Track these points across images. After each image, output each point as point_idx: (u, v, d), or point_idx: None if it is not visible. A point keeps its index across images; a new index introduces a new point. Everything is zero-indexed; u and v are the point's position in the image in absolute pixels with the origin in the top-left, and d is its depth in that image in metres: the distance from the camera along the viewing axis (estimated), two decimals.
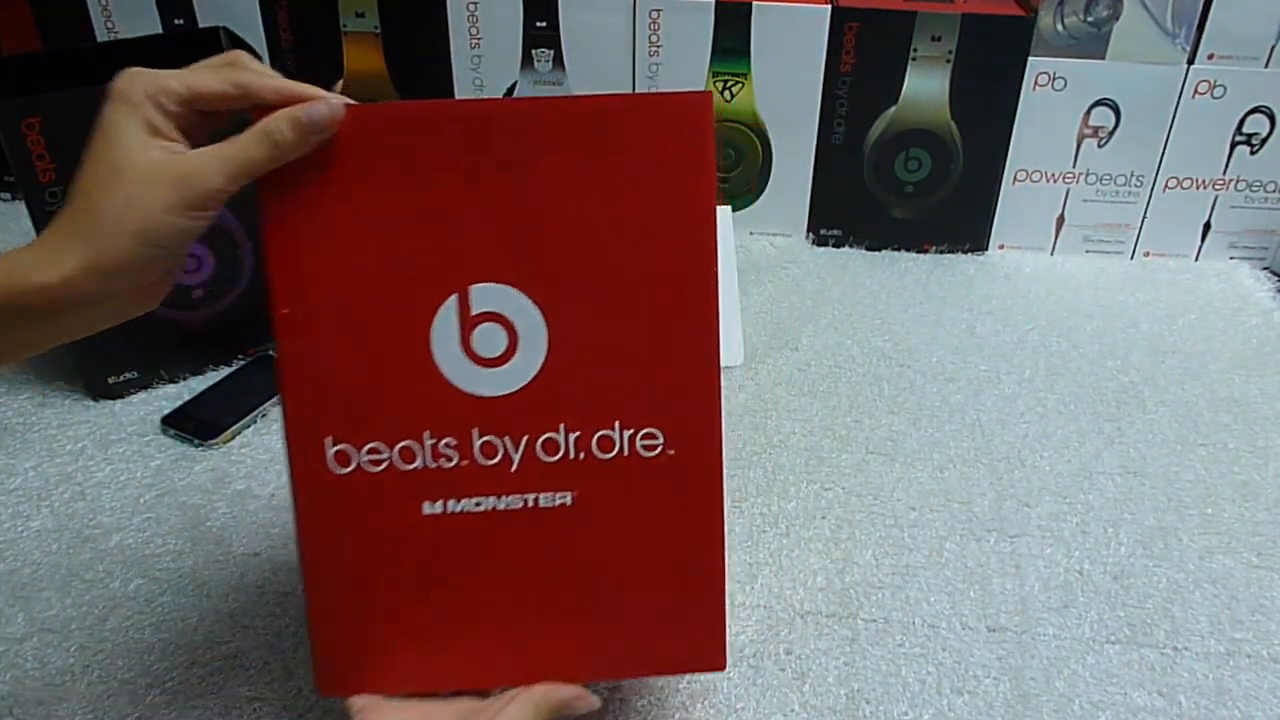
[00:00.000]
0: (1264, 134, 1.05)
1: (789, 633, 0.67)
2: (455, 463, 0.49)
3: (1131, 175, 1.08)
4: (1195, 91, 1.03)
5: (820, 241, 1.13)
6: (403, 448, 0.49)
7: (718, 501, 0.51)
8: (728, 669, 0.58)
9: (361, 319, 0.48)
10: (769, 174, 1.10)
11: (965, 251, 1.12)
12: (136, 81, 0.46)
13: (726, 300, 0.95)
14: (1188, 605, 0.71)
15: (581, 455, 0.49)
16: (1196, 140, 1.05)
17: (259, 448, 0.83)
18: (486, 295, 0.48)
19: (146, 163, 0.44)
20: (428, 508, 0.49)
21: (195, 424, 0.84)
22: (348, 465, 0.49)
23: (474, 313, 0.48)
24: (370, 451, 0.49)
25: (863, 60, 1.03)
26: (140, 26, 1.06)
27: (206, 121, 0.47)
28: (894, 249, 1.12)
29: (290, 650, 0.66)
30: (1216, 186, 1.08)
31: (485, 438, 0.49)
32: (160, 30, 1.07)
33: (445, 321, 0.48)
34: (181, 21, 1.07)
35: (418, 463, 0.49)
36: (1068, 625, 0.69)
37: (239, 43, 0.90)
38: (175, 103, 0.45)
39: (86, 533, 0.74)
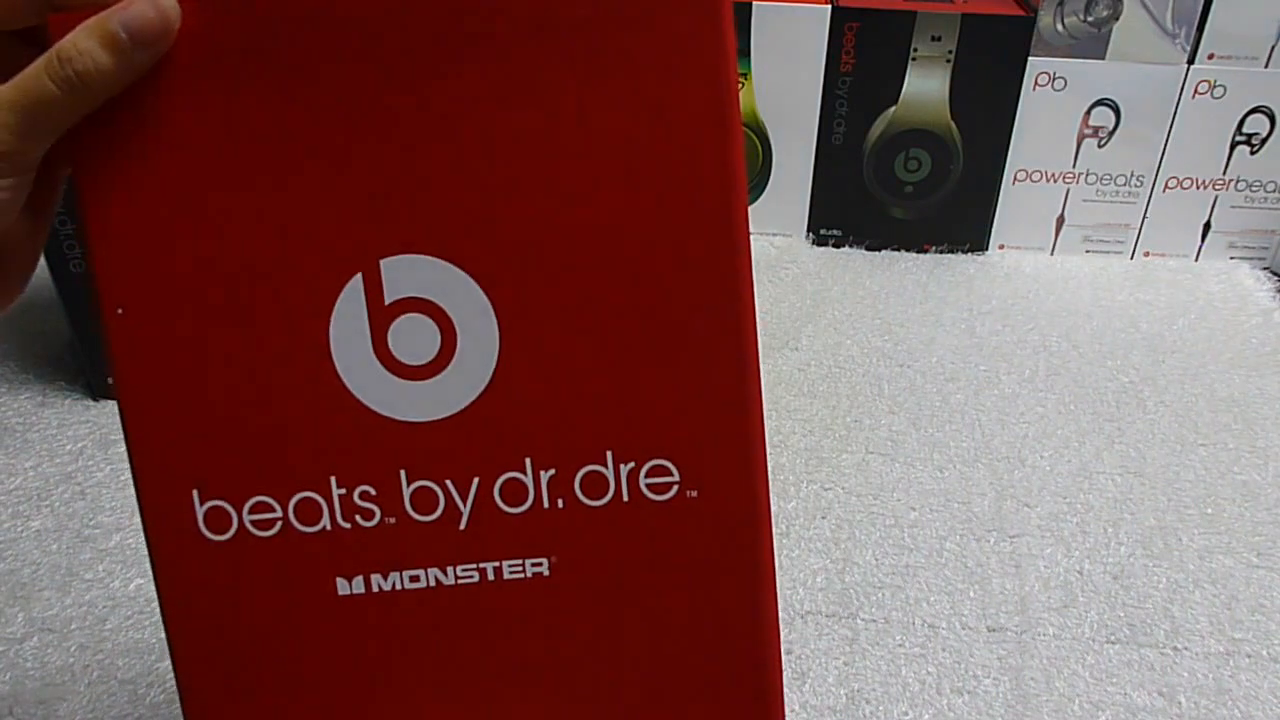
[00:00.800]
0: (1264, 134, 1.05)
1: (789, 633, 0.67)
2: (378, 520, 0.34)
3: (1131, 175, 1.08)
4: (1195, 91, 1.03)
5: (820, 241, 1.13)
6: (300, 500, 0.34)
7: (766, 558, 0.35)
8: None
9: (230, 317, 0.32)
10: (769, 174, 1.10)
11: (965, 251, 1.12)
12: None
13: None
14: (1188, 605, 0.71)
15: (560, 503, 0.34)
16: (1196, 140, 1.05)
17: None
18: (406, 273, 0.32)
19: None
20: (343, 587, 0.35)
21: None
22: (225, 531, 0.34)
23: (388, 300, 0.33)
24: (255, 509, 0.34)
25: (863, 60, 1.03)
26: None
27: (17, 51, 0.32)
28: (894, 249, 1.12)
29: None
30: (1216, 186, 1.08)
31: (418, 482, 0.34)
32: None
33: (348, 314, 0.32)
34: None
35: (323, 523, 0.34)
36: (1068, 625, 0.69)
37: None
38: None
39: (86, 533, 0.74)
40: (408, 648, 0.35)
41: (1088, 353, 0.97)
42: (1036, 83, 1.03)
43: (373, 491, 0.34)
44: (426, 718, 0.35)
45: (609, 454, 0.34)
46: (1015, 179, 1.09)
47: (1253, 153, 1.06)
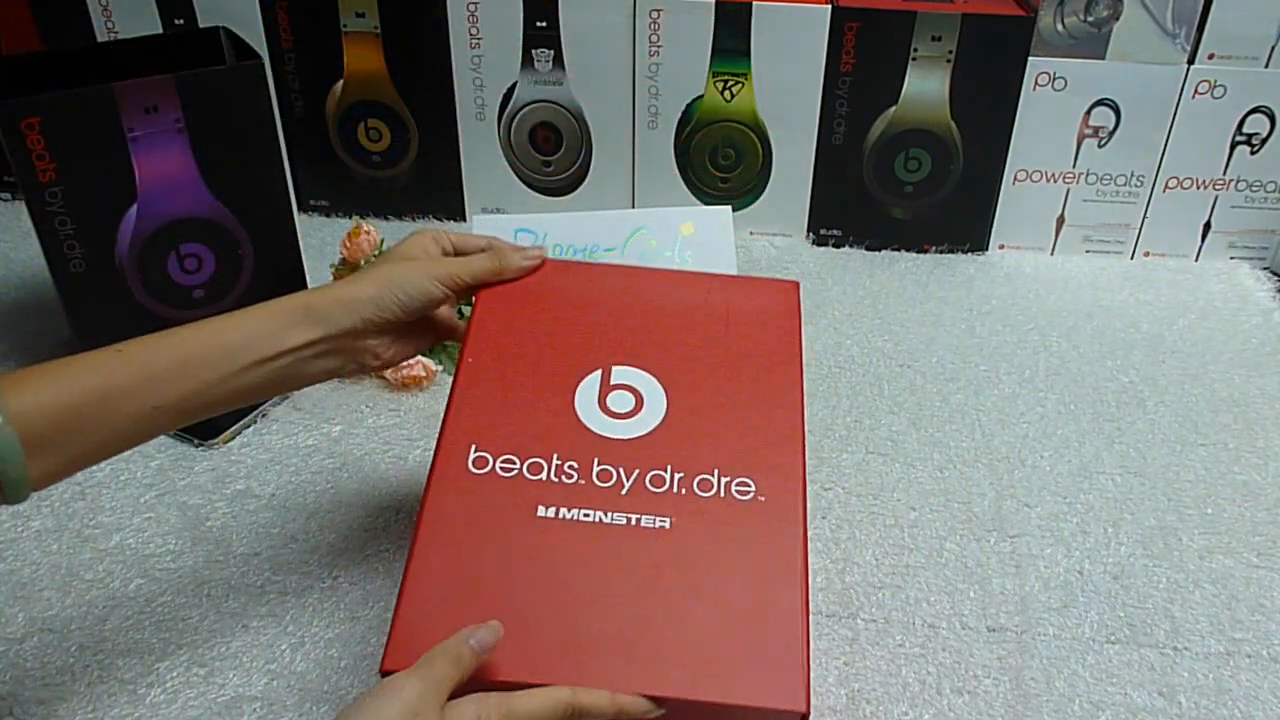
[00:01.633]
0: (1264, 134, 1.05)
1: None
2: (574, 480, 0.57)
3: (1131, 175, 1.08)
4: (1195, 91, 1.03)
5: (820, 241, 1.13)
6: (532, 462, 0.57)
7: (801, 544, 0.55)
8: None
9: (524, 375, 0.61)
10: (769, 174, 1.10)
11: (965, 251, 1.12)
12: (426, 233, 0.66)
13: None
14: (1188, 605, 0.71)
15: (683, 491, 0.57)
16: (1196, 140, 1.05)
17: (259, 448, 0.83)
18: (625, 374, 0.61)
19: (420, 250, 0.65)
20: (541, 510, 0.56)
21: (195, 424, 0.84)
22: (483, 468, 0.57)
23: (612, 383, 0.61)
24: (505, 460, 0.57)
25: (863, 60, 1.03)
26: (140, 26, 1.06)
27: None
28: (894, 249, 1.12)
29: (289, 651, 0.66)
30: (1216, 186, 1.08)
31: (603, 465, 0.57)
32: (160, 30, 1.07)
33: (589, 385, 0.61)
34: (182, 21, 1.07)
35: (542, 475, 0.57)
36: (1068, 625, 0.69)
37: (239, 43, 0.90)
38: (446, 244, 0.66)
39: (86, 533, 0.74)
40: (572, 555, 0.54)
41: (1088, 353, 0.97)
42: (1036, 83, 1.03)
43: (576, 465, 0.57)
44: (570, 603, 0.53)
45: (716, 470, 0.58)
46: (1015, 179, 1.09)
47: (1253, 153, 1.06)
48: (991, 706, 0.63)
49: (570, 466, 0.57)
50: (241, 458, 0.82)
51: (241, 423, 0.84)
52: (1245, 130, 1.05)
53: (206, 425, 0.84)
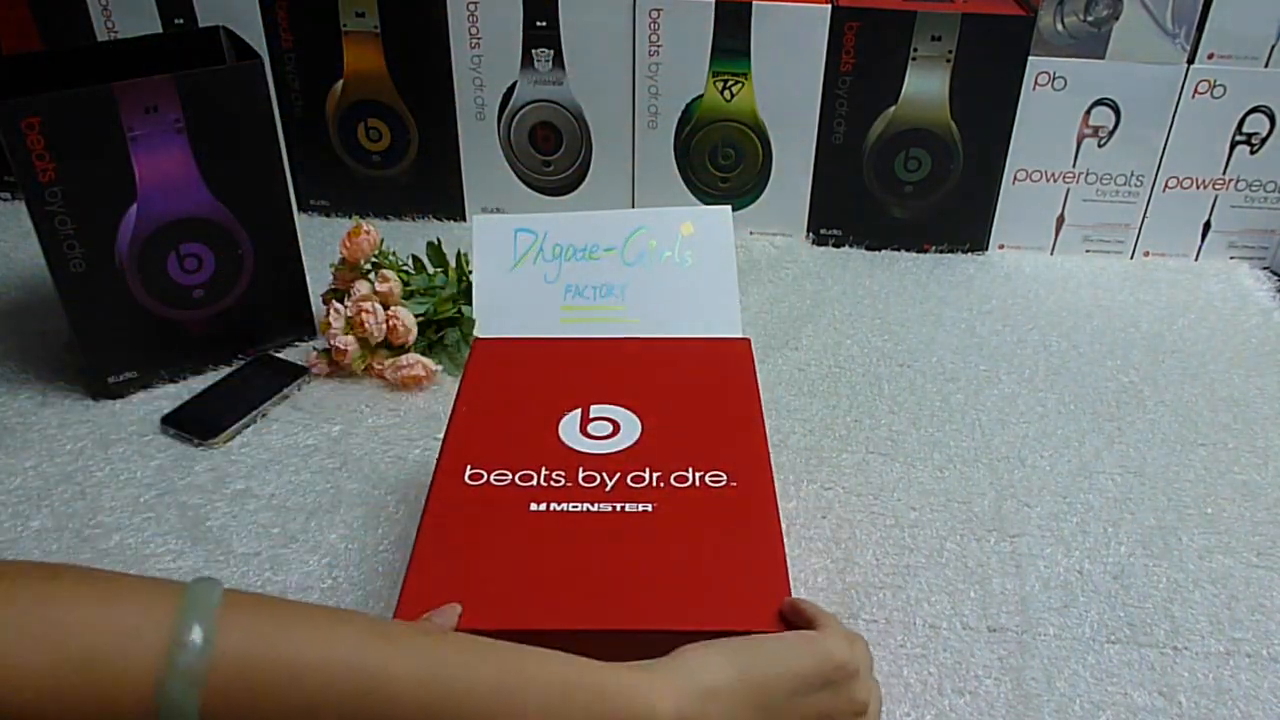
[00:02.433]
0: (1264, 134, 1.05)
1: None
2: (562, 484, 0.62)
3: (1131, 175, 1.08)
4: (1195, 91, 1.03)
5: (820, 241, 1.13)
6: (523, 474, 0.63)
7: (775, 516, 0.60)
8: None
9: (513, 415, 0.68)
10: (769, 174, 1.10)
11: (965, 251, 1.12)
12: None
13: (726, 300, 0.95)
14: (1188, 605, 0.71)
15: (662, 485, 0.62)
16: (1196, 140, 1.05)
17: (259, 448, 0.83)
18: (602, 409, 0.68)
19: None
20: (534, 506, 0.60)
21: (195, 424, 0.84)
22: (479, 481, 0.62)
23: (592, 416, 0.68)
24: (498, 474, 0.63)
25: (863, 60, 1.03)
26: (140, 26, 1.06)
27: None
28: (894, 249, 1.12)
29: None
30: (1216, 186, 1.08)
31: (587, 472, 0.63)
32: (160, 30, 1.07)
33: (571, 419, 0.67)
34: (181, 21, 1.07)
35: (533, 483, 0.62)
36: (1068, 625, 0.69)
37: (239, 43, 0.90)
38: None
39: (86, 533, 0.74)
40: (564, 536, 0.59)
41: (1088, 353, 0.97)
42: (1036, 83, 1.03)
43: (563, 473, 0.63)
44: (566, 569, 0.57)
45: (690, 467, 0.63)
46: (1015, 179, 1.09)
47: (1253, 153, 1.06)
48: (992, 707, 0.63)
49: (558, 474, 0.63)
50: (241, 458, 0.82)
51: (241, 422, 0.84)
52: (1245, 130, 1.05)
53: (206, 425, 0.84)
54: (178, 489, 0.78)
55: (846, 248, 1.13)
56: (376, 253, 0.93)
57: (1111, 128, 1.05)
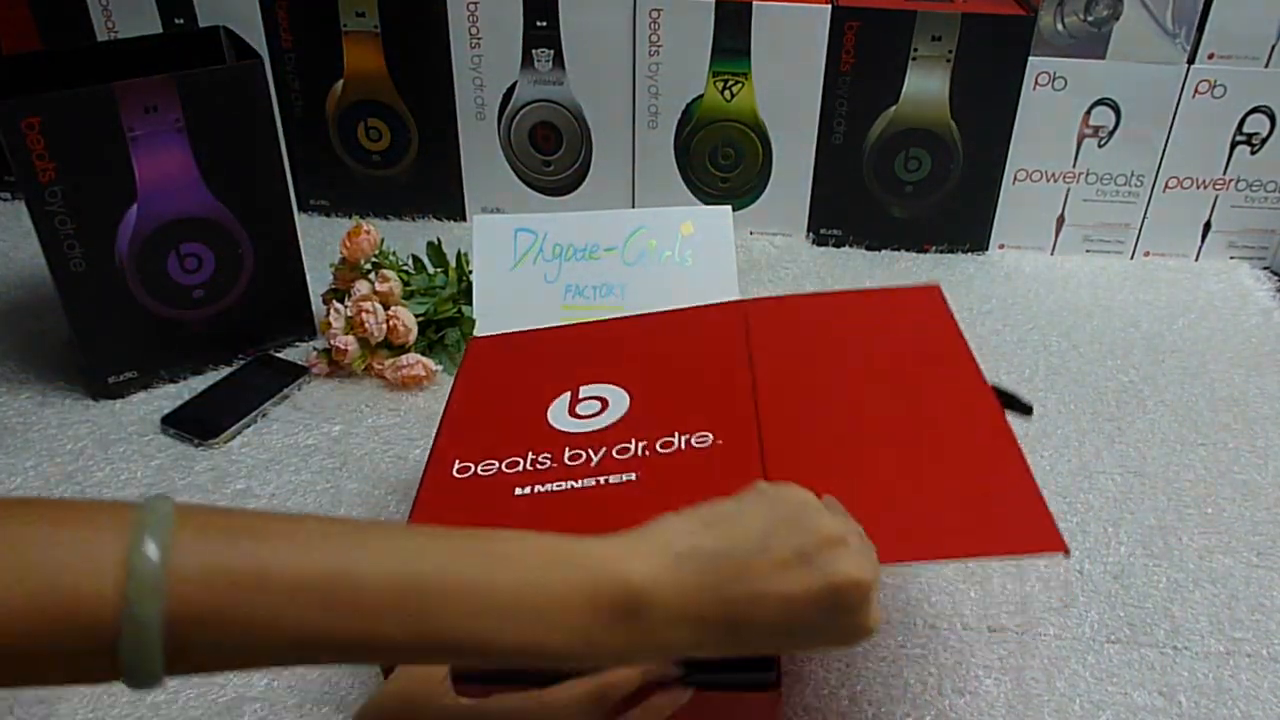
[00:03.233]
0: (1264, 134, 1.05)
1: None
2: (548, 466, 0.62)
3: (1131, 175, 1.08)
4: (1195, 91, 1.03)
5: (820, 241, 1.13)
6: (509, 460, 0.63)
7: (757, 471, 0.59)
8: None
9: (503, 404, 0.68)
10: (769, 174, 1.10)
11: (965, 251, 1.12)
12: None
13: (726, 300, 0.95)
14: (1188, 605, 0.71)
15: (647, 453, 0.61)
16: (1196, 140, 1.05)
17: (259, 447, 0.83)
18: (591, 389, 0.67)
19: None
20: (518, 491, 0.60)
21: (195, 424, 0.84)
22: (466, 473, 0.62)
23: (580, 397, 0.67)
24: (485, 465, 0.63)
25: (863, 60, 1.03)
26: (140, 26, 1.06)
27: None
28: (894, 249, 1.12)
29: None
30: (1216, 186, 1.08)
31: (574, 451, 0.62)
32: (160, 30, 1.07)
33: (561, 400, 0.67)
34: (182, 21, 1.07)
35: (518, 469, 0.62)
36: (1068, 625, 0.69)
37: (239, 43, 0.90)
38: None
39: None
40: (549, 516, 0.58)
41: (1088, 352, 0.97)
42: (1036, 82, 1.03)
43: (549, 455, 0.62)
44: None
45: (676, 431, 0.62)
46: (1015, 179, 1.09)
47: (1253, 152, 1.06)
48: (993, 707, 0.63)
49: (544, 458, 0.62)
50: (241, 458, 0.82)
51: (241, 423, 0.84)
52: (1245, 130, 1.05)
53: (206, 425, 0.84)
54: (178, 489, 0.78)
55: (846, 248, 1.13)
56: (376, 253, 0.93)
57: (1112, 128, 1.05)
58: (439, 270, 0.96)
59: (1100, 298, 1.06)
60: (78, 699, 0.62)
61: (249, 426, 0.85)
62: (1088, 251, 1.13)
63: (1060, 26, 1.01)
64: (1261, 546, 0.76)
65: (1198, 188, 1.08)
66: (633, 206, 1.13)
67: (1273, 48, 1.00)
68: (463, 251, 0.96)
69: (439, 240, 0.97)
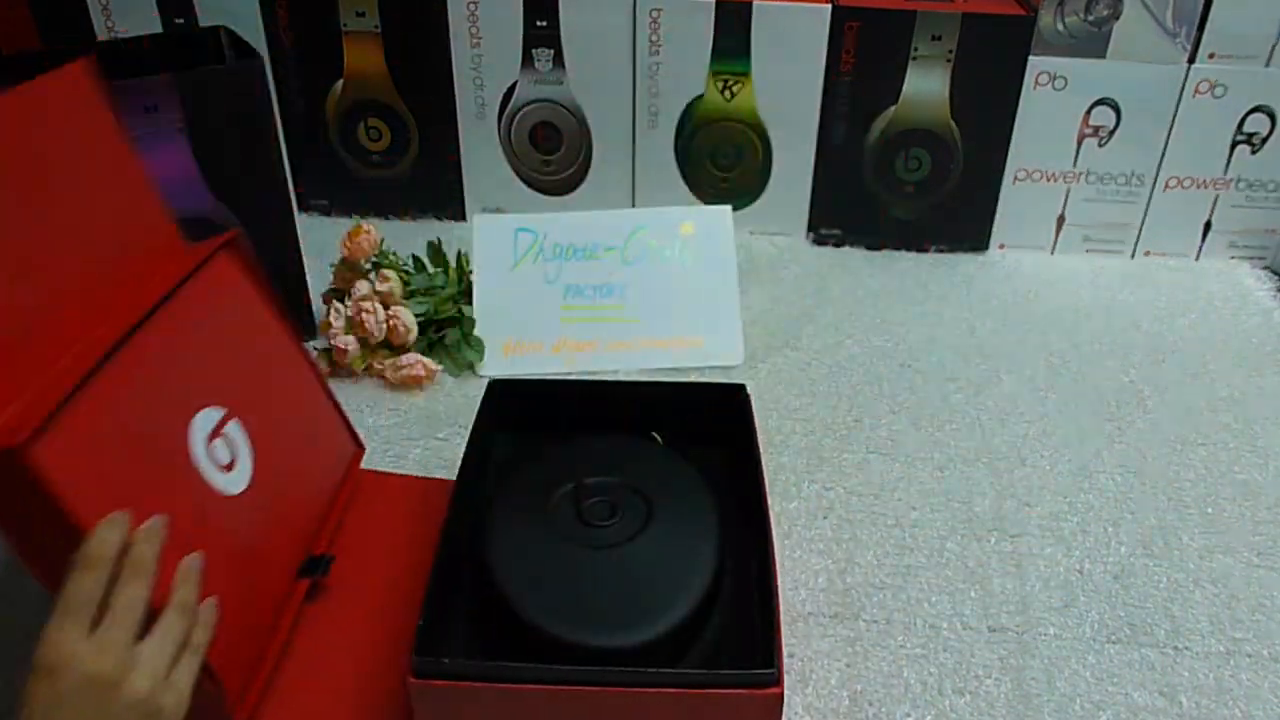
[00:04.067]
0: (1264, 134, 1.05)
1: (790, 635, 0.67)
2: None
3: (1132, 175, 1.08)
4: (1195, 91, 1.03)
5: (820, 241, 1.13)
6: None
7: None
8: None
9: (136, 432, 0.55)
10: (769, 174, 1.10)
11: (965, 251, 1.12)
12: None
13: (726, 300, 0.95)
14: (1188, 605, 0.71)
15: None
16: (1197, 140, 1.05)
17: None
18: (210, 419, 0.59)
19: None
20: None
21: None
22: None
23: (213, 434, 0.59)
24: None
25: (863, 60, 1.03)
26: (140, 26, 1.06)
27: None
28: (894, 249, 1.12)
29: None
30: (1217, 186, 1.08)
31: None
32: (160, 30, 1.07)
33: (200, 430, 0.58)
34: (182, 21, 1.07)
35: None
36: (1069, 625, 0.69)
37: (239, 43, 0.90)
38: None
39: None
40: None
41: (1088, 353, 0.97)
42: (1036, 82, 1.03)
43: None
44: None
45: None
46: (1015, 179, 1.09)
47: (1253, 152, 1.06)
48: (993, 707, 0.63)
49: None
50: None
51: None
52: (1245, 130, 1.05)
53: None
54: None
55: (846, 248, 1.13)
56: (377, 252, 0.93)
57: (1112, 127, 1.05)
58: (439, 270, 0.96)
59: (1100, 298, 1.06)
60: None
61: None
62: (1088, 251, 1.13)
63: (1060, 26, 1.01)
64: (1262, 546, 0.76)
65: (1198, 187, 1.08)
66: (633, 206, 1.13)
67: (1273, 47, 1.00)
68: (463, 251, 0.96)
69: (439, 240, 0.97)
